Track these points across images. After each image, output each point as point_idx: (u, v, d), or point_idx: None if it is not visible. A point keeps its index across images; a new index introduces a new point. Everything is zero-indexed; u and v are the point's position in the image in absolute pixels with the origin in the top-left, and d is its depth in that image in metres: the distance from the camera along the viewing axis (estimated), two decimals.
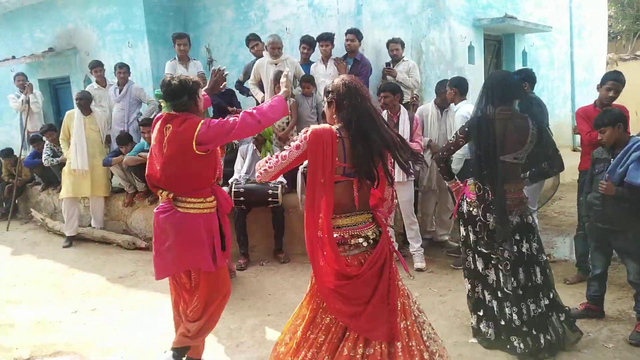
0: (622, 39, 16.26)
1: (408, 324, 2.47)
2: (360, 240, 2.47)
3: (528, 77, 4.59)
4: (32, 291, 4.89)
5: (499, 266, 3.21)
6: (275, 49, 5.70)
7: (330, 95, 2.53)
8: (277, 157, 2.50)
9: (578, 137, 10.48)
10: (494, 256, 3.24)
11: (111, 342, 3.74)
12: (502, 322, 3.22)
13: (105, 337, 3.83)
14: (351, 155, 2.43)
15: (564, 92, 10.30)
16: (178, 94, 2.95)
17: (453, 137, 3.36)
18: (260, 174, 2.54)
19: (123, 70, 6.59)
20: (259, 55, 6.08)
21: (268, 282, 4.70)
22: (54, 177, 7.29)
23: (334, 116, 2.54)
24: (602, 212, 3.37)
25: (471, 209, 3.28)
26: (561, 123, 10.12)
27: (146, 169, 3.15)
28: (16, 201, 7.92)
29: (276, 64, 5.72)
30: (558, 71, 10.06)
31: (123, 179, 6.43)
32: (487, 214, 3.18)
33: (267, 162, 2.53)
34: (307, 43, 5.92)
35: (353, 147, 2.43)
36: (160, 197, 3.06)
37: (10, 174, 8.06)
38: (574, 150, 10.22)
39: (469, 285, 3.43)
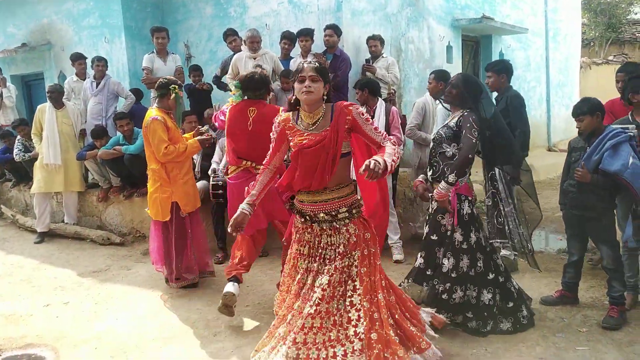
0: (595, 46, 16.71)
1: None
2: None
3: (506, 69, 4.61)
4: (1, 285, 4.73)
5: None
6: (254, 42, 5.68)
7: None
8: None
9: (553, 137, 10.79)
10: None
11: (84, 334, 3.64)
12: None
13: (78, 329, 3.73)
14: None
15: (540, 93, 10.52)
16: (259, 86, 3.71)
17: (471, 140, 3.22)
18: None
19: (101, 63, 6.46)
20: (237, 50, 6.06)
21: (246, 275, 4.63)
22: (25, 172, 7.10)
23: None
24: (578, 199, 3.43)
25: (473, 208, 3.33)
26: (537, 123, 10.32)
27: (228, 144, 3.90)
28: None
29: (255, 59, 5.70)
30: (534, 73, 10.28)
31: (98, 173, 6.31)
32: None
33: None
34: (288, 38, 5.92)
35: None
36: (236, 168, 3.82)
37: None
38: (549, 150, 10.45)
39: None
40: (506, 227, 3.81)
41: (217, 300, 4.06)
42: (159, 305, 4.08)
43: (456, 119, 3.36)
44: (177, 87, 4.17)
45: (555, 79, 10.94)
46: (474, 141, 3.23)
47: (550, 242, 5.41)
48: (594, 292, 3.88)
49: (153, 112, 4.14)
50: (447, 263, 3.31)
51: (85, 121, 6.53)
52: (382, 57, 5.94)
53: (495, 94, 4.80)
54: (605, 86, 8.81)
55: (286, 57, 5.99)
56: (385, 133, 2.81)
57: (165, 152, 4.05)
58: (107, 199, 6.31)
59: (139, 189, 6.05)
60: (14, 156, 6.81)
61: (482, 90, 3.40)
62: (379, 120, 4.70)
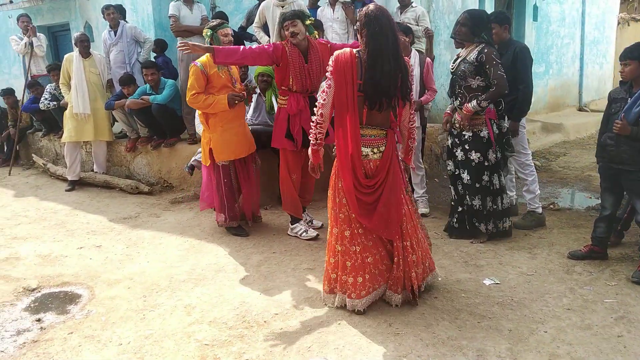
0: (635, 1, 15.86)
1: (409, 227, 3.02)
2: (366, 150, 2.93)
3: (508, 20, 4.30)
4: (36, 229, 4.90)
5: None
6: None
7: (357, 23, 2.93)
8: (317, 108, 2.94)
9: (585, 96, 10.45)
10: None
11: (117, 274, 3.77)
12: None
13: (111, 270, 3.86)
14: (367, 78, 2.81)
15: (573, 50, 10.12)
16: None
17: (502, 76, 3.72)
18: (314, 133, 2.98)
19: (111, 11, 6.38)
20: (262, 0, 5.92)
21: (272, 224, 4.72)
22: (54, 122, 7.22)
23: (360, 41, 2.90)
24: (616, 152, 3.33)
25: (498, 129, 3.88)
26: (568, 82, 10.01)
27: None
28: (17, 147, 7.87)
29: (282, 7, 5.56)
30: (568, 28, 9.85)
31: (125, 123, 6.37)
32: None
33: (314, 122, 2.97)
34: None
35: (369, 68, 2.81)
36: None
37: (14, 119, 7.95)
38: (580, 110, 10.15)
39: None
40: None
41: (244, 247, 4.16)
42: (188, 250, 4.18)
43: (475, 53, 3.75)
44: (211, 30, 4.11)
45: (590, 36, 10.49)
46: (505, 76, 3.71)
47: (580, 199, 5.32)
48: (624, 249, 3.83)
49: (202, 57, 4.14)
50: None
51: (110, 71, 6.55)
52: (412, 7, 5.73)
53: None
54: None
55: (314, 6, 5.84)
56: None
57: (191, 99, 4.10)
58: (135, 149, 6.39)
59: (167, 139, 6.12)
60: (40, 104, 6.90)
61: (489, 22, 3.83)
62: (414, 71, 4.60)
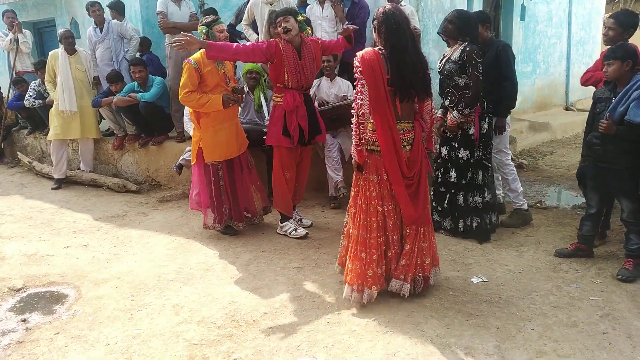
0: (620, 2, 16.07)
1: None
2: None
3: (487, 19, 4.32)
4: (22, 228, 4.84)
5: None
6: None
7: (374, 22, 3.06)
8: (355, 106, 2.99)
9: (571, 96, 10.56)
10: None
11: (104, 274, 3.73)
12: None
13: (98, 269, 3.82)
14: (393, 72, 2.94)
15: (560, 50, 10.20)
16: None
17: (478, 77, 3.77)
18: (357, 134, 3.01)
19: (96, 7, 6.30)
20: None
21: (261, 223, 4.70)
22: (40, 120, 7.13)
23: (378, 40, 3.03)
24: (602, 151, 3.37)
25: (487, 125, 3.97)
26: (555, 81, 10.09)
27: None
28: (2, 145, 7.76)
29: (271, 4, 5.53)
30: (555, 28, 9.93)
31: (113, 121, 6.30)
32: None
33: (355, 123, 3.01)
34: None
35: (393, 65, 2.94)
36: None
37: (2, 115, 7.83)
38: (566, 109, 10.25)
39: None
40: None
41: (233, 246, 4.14)
42: (176, 249, 4.16)
43: (458, 52, 3.81)
44: (206, 26, 4.09)
45: (576, 36, 10.58)
46: (480, 78, 3.76)
47: (566, 198, 5.38)
48: (609, 247, 3.88)
49: (196, 54, 4.10)
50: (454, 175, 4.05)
51: (97, 68, 6.47)
52: (401, 5, 5.73)
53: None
54: None
55: (302, 4, 5.82)
56: None
57: (183, 97, 4.04)
58: (123, 147, 6.33)
59: (155, 137, 6.07)
60: (24, 101, 6.81)
61: (476, 23, 3.87)
62: None
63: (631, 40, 3.73)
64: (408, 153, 3.07)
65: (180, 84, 4.07)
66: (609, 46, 3.71)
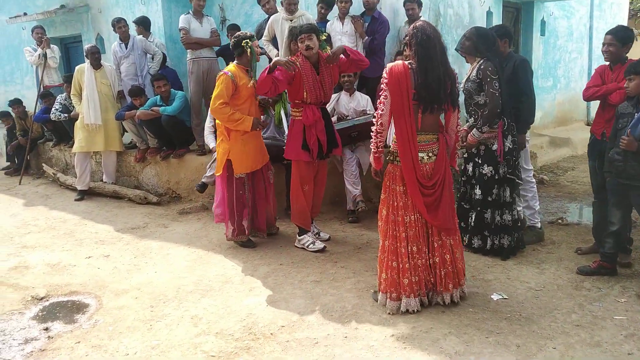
0: None
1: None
2: (422, 155, 3.13)
3: (508, 34, 4.30)
4: (45, 238, 4.94)
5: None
6: (291, 4, 5.58)
7: (406, 37, 3.23)
8: (376, 115, 3.13)
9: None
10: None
11: (125, 284, 3.79)
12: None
13: (118, 280, 3.88)
14: (419, 84, 3.04)
15: (581, 65, 10.12)
16: None
17: (494, 94, 3.73)
18: (375, 142, 3.19)
19: (122, 24, 6.49)
20: (271, 13, 5.98)
21: (280, 236, 4.73)
22: (65, 132, 7.31)
23: (410, 54, 3.13)
24: (624, 168, 3.32)
25: (511, 142, 3.90)
26: (576, 96, 9.95)
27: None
28: (28, 157, 7.96)
29: (291, 20, 5.62)
30: (576, 43, 9.87)
31: (135, 134, 6.43)
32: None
33: (375, 131, 3.16)
34: (325, 2, 5.81)
35: (420, 77, 3.03)
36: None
37: (23, 129, 8.07)
38: (587, 124, 10.11)
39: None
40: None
41: (251, 259, 4.17)
42: (195, 261, 4.20)
43: (475, 70, 3.82)
44: (249, 40, 4.17)
45: (598, 50, 10.44)
46: (497, 94, 3.72)
47: (588, 214, 5.28)
48: (634, 266, 3.80)
49: (230, 66, 4.21)
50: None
51: (121, 83, 6.64)
52: (421, 20, 5.77)
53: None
54: None
55: (322, 20, 5.90)
56: None
57: (218, 108, 4.09)
58: (144, 159, 6.45)
59: (176, 150, 6.17)
60: (51, 115, 6.99)
61: (494, 41, 3.84)
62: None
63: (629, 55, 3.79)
64: (433, 164, 3.17)
65: (215, 95, 4.11)
66: (607, 62, 3.80)
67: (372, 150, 3.22)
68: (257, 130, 4.32)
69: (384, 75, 3.08)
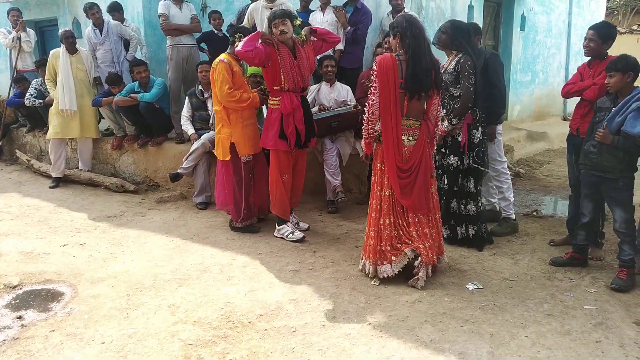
0: (619, 14, 16.22)
1: (435, 204, 3.58)
2: (403, 137, 3.37)
3: (479, 31, 4.52)
4: (19, 225, 4.84)
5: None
6: None
7: (394, 28, 3.35)
8: (367, 105, 3.33)
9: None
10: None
11: (101, 273, 3.74)
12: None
13: (94, 268, 3.83)
14: (408, 74, 3.25)
15: (559, 61, 10.30)
16: None
17: (469, 88, 3.80)
18: (366, 129, 3.39)
19: (94, 10, 6.33)
20: (253, 0, 5.93)
21: (258, 225, 4.72)
22: (40, 118, 7.14)
23: (397, 45, 3.33)
24: (598, 160, 3.40)
25: (478, 133, 3.95)
26: (554, 91, 10.16)
27: None
28: (1, 143, 7.76)
29: (271, 9, 5.57)
30: (555, 39, 10.03)
31: (112, 121, 6.32)
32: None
33: (366, 119, 3.36)
34: None
35: (409, 68, 3.25)
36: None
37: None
38: (564, 119, 10.32)
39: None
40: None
41: (230, 248, 4.16)
42: (173, 250, 4.16)
43: (454, 63, 3.85)
44: (240, 35, 4.18)
45: (575, 47, 10.67)
46: (471, 89, 3.80)
47: (562, 207, 5.41)
48: (606, 257, 3.89)
49: (223, 55, 4.27)
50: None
51: (98, 70, 6.49)
52: (405, 11, 5.78)
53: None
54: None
55: (305, 9, 5.86)
56: None
57: (228, 93, 4.16)
58: (122, 147, 6.35)
59: (154, 138, 6.08)
60: (25, 100, 6.81)
61: (469, 33, 3.89)
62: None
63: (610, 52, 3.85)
64: (411, 147, 3.39)
65: (219, 83, 4.18)
66: (588, 58, 3.86)
67: (364, 137, 3.43)
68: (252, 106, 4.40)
69: (374, 67, 3.29)
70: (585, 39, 3.89)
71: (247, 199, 4.47)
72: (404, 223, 3.45)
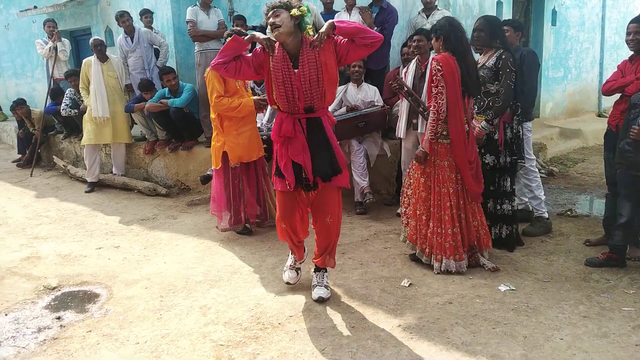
0: None
1: None
2: None
3: (522, 28, 4.47)
4: (57, 229, 5.01)
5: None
6: None
7: (438, 31, 3.47)
8: (435, 106, 3.42)
9: (604, 102, 10.31)
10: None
11: (135, 275, 3.83)
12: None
13: (129, 270, 3.93)
14: (464, 74, 3.42)
15: (593, 55, 10.00)
16: None
17: (510, 86, 3.76)
18: (434, 129, 3.47)
19: (125, 18, 6.55)
20: None
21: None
22: (75, 125, 7.37)
23: (440, 47, 3.47)
24: (634, 159, 3.29)
25: (513, 131, 3.96)
26: (587, 87, 9.89)
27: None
28: (39, 150, 8.04)
29: None
30: (588, 33, 9.75)
31: (144, 126, 6.48)
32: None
33: (433, 118, 3.45)
34: None
35: (462, 65, 3.41)
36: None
37: (32, 125, 8.13)
38: (599, 115, 10.02)
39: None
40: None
41: (259, 250, 4.20)
42: (204, 252, 4.23)
43: (493, 59, 3.79)
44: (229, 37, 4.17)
45: (610, 40, 10.36)
46: (512, 86, 3.75)
47: (597, 206, 5.25)
48: None
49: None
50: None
51: (130, 77, 6.67)
52: (438, 9, 5.70)
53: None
54: None
55: (329, 11, 5.88)
56: None
57: (216, 102, 4.17)
58: (153, 151, 6.50)
59: (184, 142, 6.20)
60: (61, 111, 7.04)
61: (503, 23, 3.94)
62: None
63: None
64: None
65: (209, 92, 4.20)
66: (632, 52, 3.69)
67: (430, 137, 3.50)
68: (259, 110, 4.37)
69: (438, 67, 3.36)
70: (629, 32, 3.76)
71: (238, 204, 4.44)
72: (464, 215, 3.61)
